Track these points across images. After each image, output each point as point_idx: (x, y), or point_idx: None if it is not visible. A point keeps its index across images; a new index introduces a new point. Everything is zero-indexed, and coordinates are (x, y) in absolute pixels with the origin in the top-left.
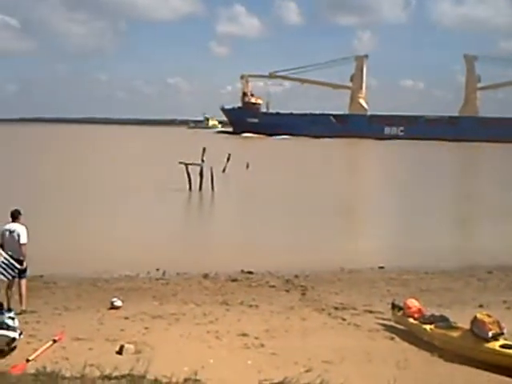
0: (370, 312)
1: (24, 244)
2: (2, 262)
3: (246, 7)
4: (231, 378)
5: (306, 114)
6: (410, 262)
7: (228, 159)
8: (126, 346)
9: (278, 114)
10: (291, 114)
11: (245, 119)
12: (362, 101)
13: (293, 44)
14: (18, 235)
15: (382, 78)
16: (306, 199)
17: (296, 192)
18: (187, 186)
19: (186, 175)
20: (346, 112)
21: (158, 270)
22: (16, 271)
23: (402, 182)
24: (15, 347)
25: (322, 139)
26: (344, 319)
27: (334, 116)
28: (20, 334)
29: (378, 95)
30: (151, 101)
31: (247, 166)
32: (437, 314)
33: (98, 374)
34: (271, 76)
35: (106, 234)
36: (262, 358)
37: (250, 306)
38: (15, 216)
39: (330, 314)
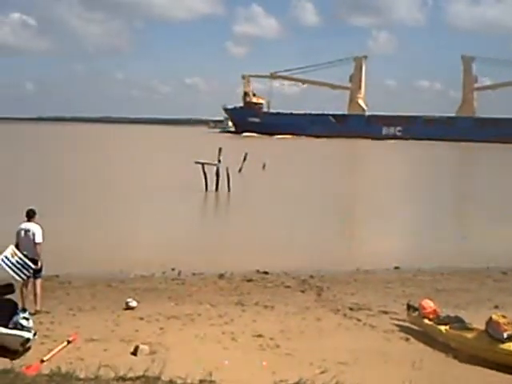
0: (385, 313)
1: (39, 243)
2: (17, 262)
3: (264, 7)
4: (246, 379)
5: (305, 114)
6: (426, 262)
7: (244, 159)
8: (141, 346)
9: (278, 113)
10: (291, 113)
11: (246, 119)
12: (360, 101)
13: (309, 44)
14: (33, 234)
15: (399, 79)
16: (320, 199)
17: (311, 192)
18: (203, 186)
19: (202, 175)
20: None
21: (173, 269)
22: (31, 271)
23: (413, 182)
24: (29, 348)
25: (320, 139)
26: (359, 320)
27: (334, 116)
28: (34, 335)
29: (396, 96)
30: (168, 100)
31: (263, 167)
32: (452, 314)
33: (112, 375)
34: (272, 76)
35: (120, 234)
36: (277, 358)
37: (266, 306)
38: (30, 215)
39: (345, 315)
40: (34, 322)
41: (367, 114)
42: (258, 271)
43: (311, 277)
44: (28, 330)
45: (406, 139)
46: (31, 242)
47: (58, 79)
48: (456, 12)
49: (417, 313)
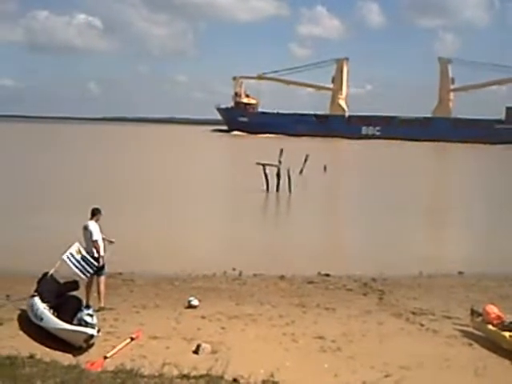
0: (449, 318)
1: (95, 241)
2: (81, 259)
3: (328, 8)
4: (307, 381)
5: (290, 114)
6: (490, 267)
7: (305, 160)
8: (203, 345)
9: (264, 113)
10: (277, 113)
11: (236, 118)
12: (341, 102)
13: (374, 46)
14: (90, 232)
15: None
16: (381, 201)
17: (372, 194)
18: (264, 187)
19: (263, 176)
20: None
21: (234, 270)
22: (94, 268)
23: (475, 188)
24: (93, 344)
25: (301, 137)
26: (422, 325)
27: (316, 116)
28: (98, 331)
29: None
30: (229, 101)
31: (325, 169)
32: None
33: (176, 372)
34: (260, 77)
35: (182, 234)
36: (339, 361)
37: (327, 308)
38: (93, 214)
39: (407, 319)
40: (97, 318)
41: (347, 114)
42: (319, 273)
43: (373, 280)
44: (92, 326)
45: (385, 139)
46: (89, 240)
47: (122, 80)
48: None
49: (480, 318)
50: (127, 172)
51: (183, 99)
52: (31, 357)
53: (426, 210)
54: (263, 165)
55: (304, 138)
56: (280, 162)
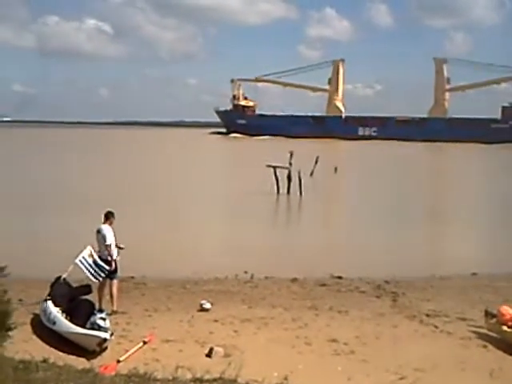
0: (463, 319)
1: (109, 245)
2: (93, 263)
3: (337, 10)
4: None
5: (287, 116)
6: (503, 268)
7: (316, 162)
8: (216, 348)
9: (262, 115)
10: (274, 115)
11: (234, 121)
12: (338, 103)
13: (384, 46)
14: (104, 236)
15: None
16: (393, 202)
17: (383, 195)
18: (275, 190)
19: (273, 178)
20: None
21: (246, 272)
22: (106, 272)
23: (480, 188)
24: (106, 348)
25: (300, 139)
26: (436, 327)
27: (313, 117)
28: (111, 335)
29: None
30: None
31: (335, 170)
32: None
33: (189, 376)
34: (257, 80)
35: (193, 237)
36: (353, 364)
37: (340, 311)
38: (106, 217)
39: (421, 322)
40: (110, 322)
41: (344, 115)
42: (331, 276)
43: (386, 282)
44: (105, 330)
45: (381, 139)
46: (103, 244)
47: (133, 84)
48: None
49: (495, 320)
50: (135, 176)
51: (193, 102)
52: (45, 361)
53: (436, 210)
54: (274, 167)
55: (302, 139)
56: (291, 164)
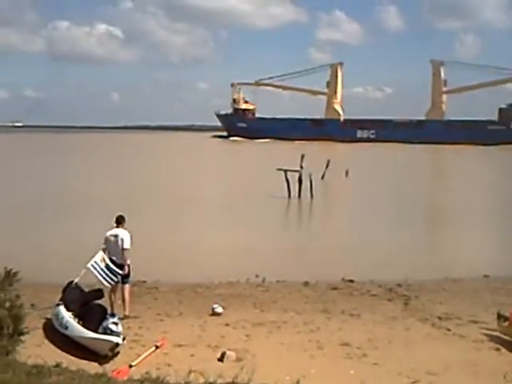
0: (475, 322)
1: (127, 249)
2: (106, 267)
3: (346, 12)
4: None
5: (286, 119)
6: None
7: (327, 165)
8: (228, 353)
9: (261, 118)
10: (274, 118)
11: (235, 124)
12: (336, 106)
13: (394, 49)
14: (122, 240)
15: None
16: (404, 206)
17: (394, 199)
18: (286, 193)
19: (284, 182)
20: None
21: (257, 276)
22: (118, 277)
23: (487, 190)
24: (118, 352)
25: (298, 141)
26: (448, 329)
27: (311, 120)
28: (123, 340)
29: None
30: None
31: (346, 174)
32: None
33: (201, 380)
34: (257, 84)
35: (205, 241)
36: (365, 368)
37: (352, 315)
38: (119, 221)
39: (433, 325)
40: (122, 326)
41: (342, 118)
42: (343, 279)
43: (398, 285)
44: (117, 334)
45: (379, 142)
46: (119, 248)
47: (143, 88)
48: None
49: (507, 322)
50: (141, 179)
51: (203, 106)
52: (57, 365)
53: (446, 213)
54: (285, 171)
55: (301, 142)
56: (302, 167)
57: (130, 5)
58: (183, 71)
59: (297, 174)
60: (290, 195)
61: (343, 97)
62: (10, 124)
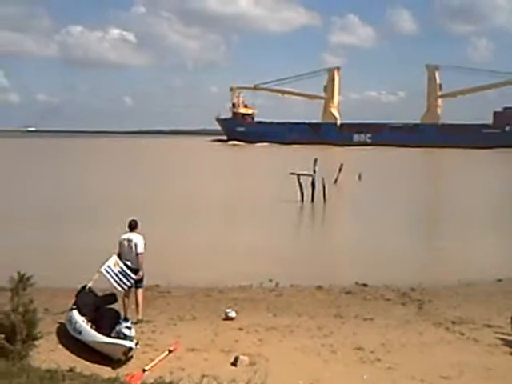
0: (489, 326)
1: (141, 254)
2: (119, 272)
3: (360, 16)
4: None
5: (284, 123)
6: None
7: (340, 169)
8: (241, 357)
9: (260, 122)
10: (271, 122)
11: (234, 128)
12: (333, 110)
13: (408, 53)
14: (136, 245)
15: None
16: (416, 210)
17: (405, 203)
18: (298, 197)
19: (297, 186)
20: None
21: (270, 280)
22: (132, 281)
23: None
24: (132, 356)
25: (296, 145)
26: (462, 334)
27: (309, 124)
28: (136, 344)
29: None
30: (262, 112)
31: (359, 177)
32: None
33: None
34: (255, 88)
35: (218, 245)
36: (379, 372)
37: (365, 319)
38: (132, 226)
39: (447, 329)
40: (135, 331)
41: (339, 122)
42: (356, 283)
43: (412, 290)
44: (130, 339)
45: (376, 145)
46: (133, 252)
47: (156, 93)
48: None
49: None
50: (150, 184)
51: (216, 110)
52: (71, 370)
53: (458, 217)
54: (298, 175)
55: (298, 146)
56: (315, 171)
57: (143, 9)
58: (196, 75)
59: (309, 179)
60: (302, 199)
61: (355, 100)
62: (24, 128)
